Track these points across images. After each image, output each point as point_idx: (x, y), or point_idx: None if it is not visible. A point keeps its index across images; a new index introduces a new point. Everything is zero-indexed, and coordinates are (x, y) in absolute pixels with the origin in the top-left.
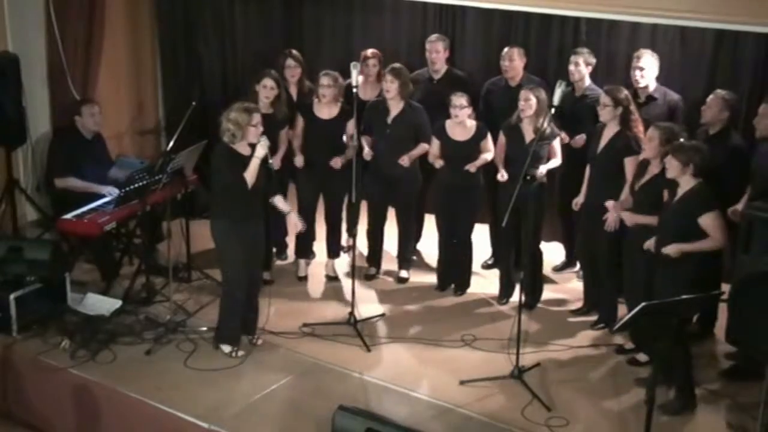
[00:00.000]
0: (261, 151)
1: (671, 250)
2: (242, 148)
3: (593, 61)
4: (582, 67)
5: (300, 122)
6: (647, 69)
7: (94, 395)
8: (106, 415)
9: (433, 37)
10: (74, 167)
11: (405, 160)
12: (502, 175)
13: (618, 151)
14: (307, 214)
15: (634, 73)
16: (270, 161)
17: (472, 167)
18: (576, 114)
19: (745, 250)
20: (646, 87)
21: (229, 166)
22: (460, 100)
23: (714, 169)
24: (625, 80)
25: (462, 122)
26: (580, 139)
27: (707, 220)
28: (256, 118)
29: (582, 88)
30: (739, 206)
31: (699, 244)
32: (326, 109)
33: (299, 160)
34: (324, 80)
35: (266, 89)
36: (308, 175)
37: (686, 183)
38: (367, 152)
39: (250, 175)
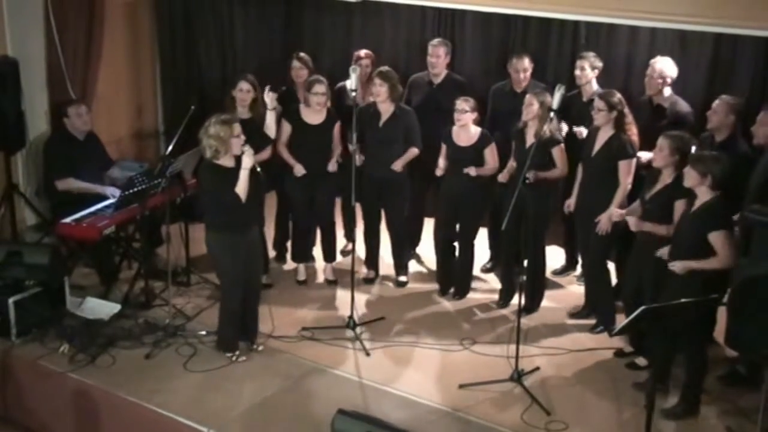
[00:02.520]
0: (248, 161)
1: (678, 267)
2: (227, 161)
3: (600, 64)
4: (588, 71)
5: (286, 129)
6: (657, 78)
7: (94, 399)
8: (105, 420)
9: (436, 41)
10: (72, 168)
11: (398, 165)
12: (503, 176)
13: (613, 155)
14: (300, 220)
15: (645, 81)
16: (258, 169)
17: (471, 170)
18: (583, 118)
19: (744, 253)
20: (659, 93)
21: (220, 184)
22: (463, 104)
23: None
24: (624, 84)
25: (465, 127)
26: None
27: (717, 238)
28: (237, 128)
29: (589, 92)
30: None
31: (706, 263)
32: (314, 115)
33: (299, 169)
34: (319, 88)
35: (242, 92)
36: (299, 181)
37: (703, 195)
38: (358, 158)
39: (242, 188)
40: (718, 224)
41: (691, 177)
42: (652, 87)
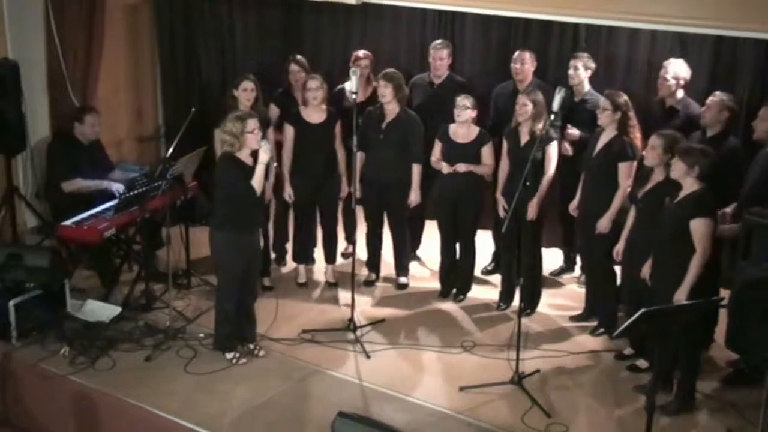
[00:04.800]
0: (264, 156)
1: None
2: (243, 157)
3: (593, 65)
4: (581, 71)
5: (290, 132)
6: (670, 80)
7: (94, 402)
8: (105, 423)
9: (438, 43)
10: (75, 170)
11: (413, 196)
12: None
13: (612, 156)
14: (303, 221)
15: (658, 82)
16: (274, 164)
17: (460, 167)
18: (575, 118)
19: (745, 256)
20: (671, 95)
21: (235, 176)
22: (464, 101)
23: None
24: (624, 85)
25: (464, 124)
26: (574, 133)
27: (698, 225)
28: (251, 124)
29: (582, 92)
30: (728, 209)
31: (691, 273)
32: (314, 114)
33: (288, 193)
34: (312, 83)
35: (247, 92)
36: (302, 182)
37: (689, 186)
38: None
39: (257, 182)
40: (701, 212)
41: (678, 168)
42: (665, 89)
